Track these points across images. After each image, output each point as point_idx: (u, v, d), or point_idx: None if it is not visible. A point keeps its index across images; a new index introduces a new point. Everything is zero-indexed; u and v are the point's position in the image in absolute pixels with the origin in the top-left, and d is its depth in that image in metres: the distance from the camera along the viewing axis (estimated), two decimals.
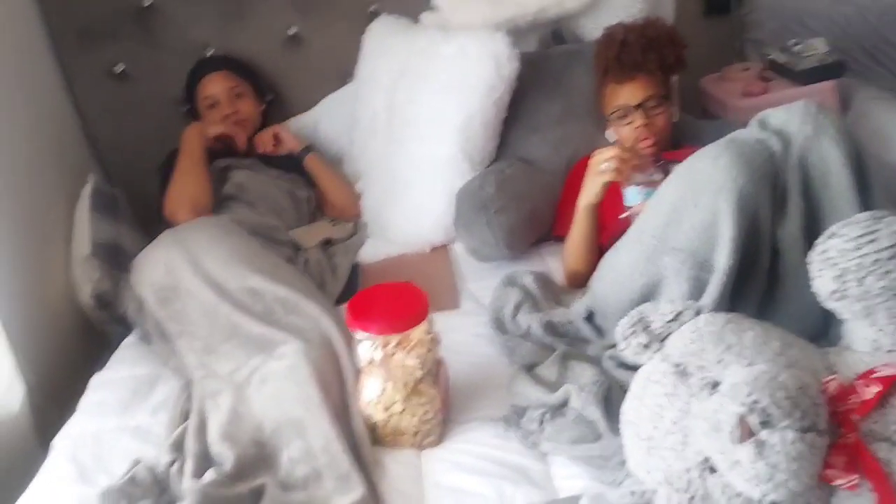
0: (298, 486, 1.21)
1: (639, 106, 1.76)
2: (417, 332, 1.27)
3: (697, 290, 1.24)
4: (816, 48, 2.31)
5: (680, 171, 1.30)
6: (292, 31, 2.33)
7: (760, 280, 1.25)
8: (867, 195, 1.18)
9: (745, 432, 0.84)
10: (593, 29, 2.19)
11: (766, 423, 0.84)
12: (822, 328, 1.22)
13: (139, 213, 2.16)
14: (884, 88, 2.32)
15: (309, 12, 2.31)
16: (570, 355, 1.39)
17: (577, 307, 1.51)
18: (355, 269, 1.97)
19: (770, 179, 1.21)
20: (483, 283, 1.79)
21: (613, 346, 1.38)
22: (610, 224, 1.69)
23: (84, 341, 1.87)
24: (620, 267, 1.37)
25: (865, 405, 0.89)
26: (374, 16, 2.31)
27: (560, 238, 1.88)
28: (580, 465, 1.20)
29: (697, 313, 1.07)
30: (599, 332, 1.48)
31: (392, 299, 1.31)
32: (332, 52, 2.36)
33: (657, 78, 1.79)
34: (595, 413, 1.20)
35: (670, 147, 1.81)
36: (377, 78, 2.15)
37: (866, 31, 2.53)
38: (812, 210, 1.22)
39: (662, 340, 1.06)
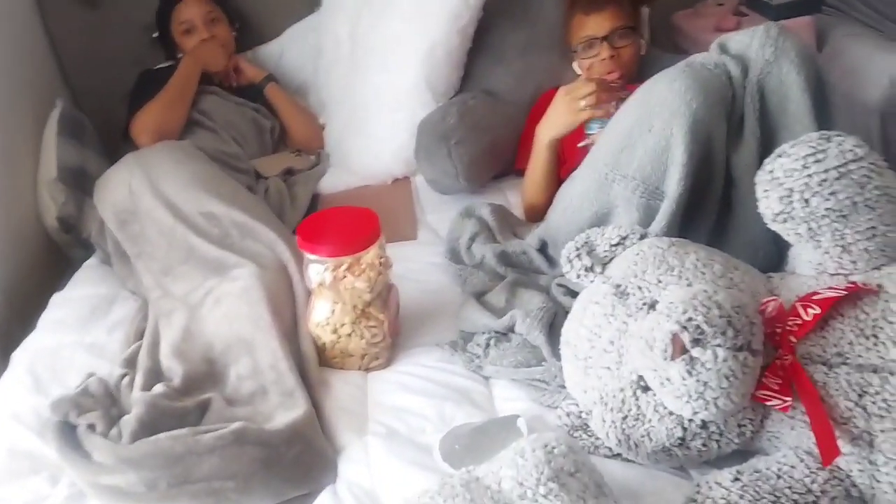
0: (244, 402, 1.23)
1: (605, 37, 1.74)
2: (368, 256, 1.28)
3: (648, 219, 1.24)
4: None
5: (636, 95, 1.29)
6: None
7: (712, 209, 1.25)
8: (825, 121, 1.17)
9: (678, 350, 0.86)
10: None
11: (698, 341, 0.85)
12: (776, 259, 1.21)
13: (105, 138, 2.13)
14: (865, 24, 2.27)
15: None
16: (520, 282, 1.41)
17: (530, 238, 1.51)
18: (315, 199, 1.97)
19: (726, 105, 1.20)
20: (442, 215, 1.79)
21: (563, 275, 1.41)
22: (570, 157, 1.69)
23: (49, 263, 1.87)
24: (573, 196, 1.36)
25: (803, 327, 0.90)
26: None
27: (521, 171, 1.88)
28: (522, 388, 1.23)
29: (643, 237, 1.08)
30: (552, 262, 1.49)
31: (344, 223, 1.32)
32: None
33: (625, 10, 1.77)
34: (539, 338, 1.22)
35: (636, 81, 1.80)
36: (342, 5, 2.11)
37: None
38: (768, 136, 1.21)
39: (606, 264, 1.07)
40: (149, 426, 1.12)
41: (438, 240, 1.71)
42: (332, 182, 2.03)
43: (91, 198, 1.79)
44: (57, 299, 1.63)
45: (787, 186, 0.92)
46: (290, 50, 2.34)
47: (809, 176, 0.91)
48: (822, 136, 0.94)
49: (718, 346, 0.84)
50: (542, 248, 1.51)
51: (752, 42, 1.22)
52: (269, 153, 2.15)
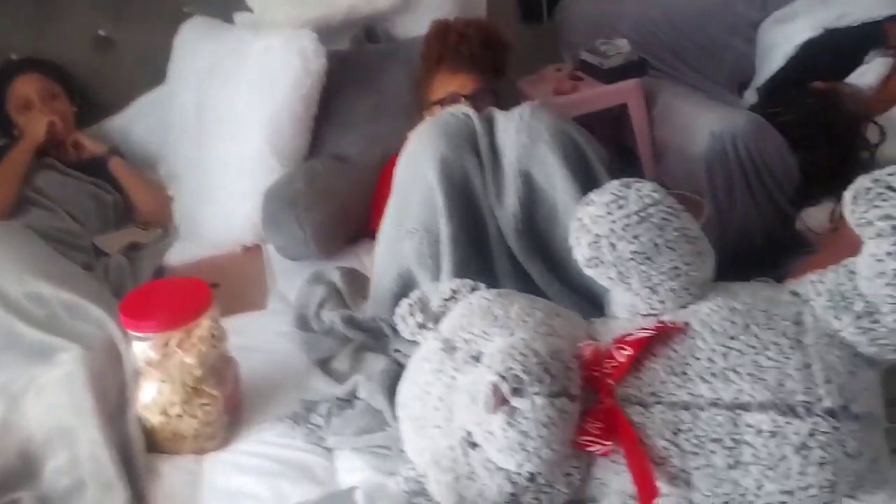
0: (58, 499, 1.13)
1: (468, 96, 1.77)
2: (199, 330, 1.21)
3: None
4: (620, 48, 2.39)
5: (402, 153, 1.38)
6: (102, 32, 2.23)
7: (499, 251, 1.30)
8: (591, 187, 1.22)
9: (499, 401, 0.83)
10: (405, 29, 2.21)
11: (517, 391, 0.83)
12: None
13: None
14: (689, 85, 2.45)
15: (119, 14, 2.24)
16: (366, 346, 1.37)
17: (366, 306, 1.49)
18: (161, 273, 1.88)
19: (472, 146, 1.30)
20: (293, 282, 1.72)
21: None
22: None
23: None
24: (377, 263, 1.40)
25: (618, 369, 0.90)
26: (187, 16, 2.24)
27: (375, 233, 1.86)
28: (364, 457, 1.17)
29: (474, 290, 1.07)
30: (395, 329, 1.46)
31: (170, 296, 1.25)
32: (144, 54, 2.27)
33: (487, 75, 1.83)
34: (381, 402, 1.19)
35: None
36: (186, 78, 2.08)
37: (671, 33, 2.67)
38: (547, 208, 1.28)
39: (440, 320, 1.05)
40: None
41: (288, 308, 1.64)
42: (181, 253, 1.95)
43: None
44: None
45: (595, 232, 0.94)
46: (137, 122, 2.28)
47: (614, 221, 0.93)
48: (623, 184, 0.97)
49: (536, 393, 0.82)
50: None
51: (508, 126, 1.32)
52: (111, 228, 2.05)
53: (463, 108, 1.36)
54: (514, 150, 1.28)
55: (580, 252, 0.96)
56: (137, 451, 1.19)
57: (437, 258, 1.27)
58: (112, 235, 2.01)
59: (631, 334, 0.91)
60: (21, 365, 1.37)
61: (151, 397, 1.22)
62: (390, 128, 1.97)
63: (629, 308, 0.99)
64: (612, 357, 0.90)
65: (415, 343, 1.30)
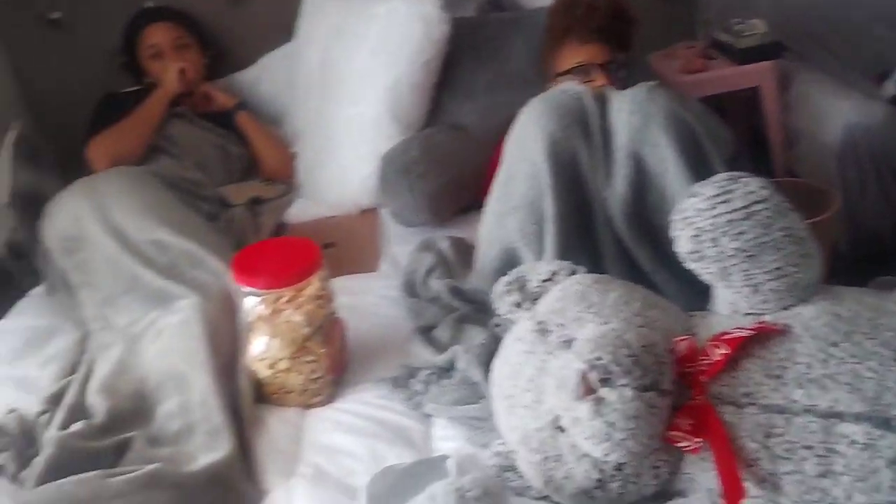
0: (168, 441, 1.19)
1: (602, 65, 1.75)
2: (309, 289, 1.26)
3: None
4: (756, 28, 2.30)
5: (511, 130, 1.36)
6: None
7: (604, 236, 1.29)
8: (704, 175, 1.17)
9: (586, 389, 0.83)
10: None
11: (605, 381, 0.82)
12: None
13: (66, 163, 2.11)
14: (827, 72, 2.32)
15: None
16: (467, 318, 1.39)
17: (471, 278, 1.50)
18: (282, 229, 1.95)
19: (582, 126, 1.27)
20: (406, 247, 1.75)
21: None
22: None
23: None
24: (481, 238, 1.40)
25: (713, 367, 0.88)
26: None
27: None
28: (459, 426, 1.19)
29: (573, 273, 1.07)
30: None
31: (283, 254, 1.30)
32: (275, 9, 2.32)
33: (614, 47, 1.79)
34: (477, 374, 1.19)
35: None
36: (314, 36, 2.12)
37: (812, 16, 2.53)
38: (656, 194, 1.26)
39: (536, 300, 1.05)
40: (58, 468, 1.07)
41: (399, 272, 1.68)
42: (300, 212, 2.01)
43: None
44: None
45: (698, 226, 0.92)
46: (265, 78, 2.34)
47: (717, 216, 0.91)
48: (730, 178, 0.94)
49: (624, 385, 0.82)
50: None
51: (622, 107, 1.29)
52: (235, 181, 2.12)
53: (575, 86, 1.33)
54: (626, 132, 1.25)
55: (682, 244, 0.94)
56: (246, 402, 1.25)
57: (541, 237, 1.27)
58: (237, 187, 2.07)
59: (729, 332, 0.89)
60: (141, 308, 1.46)
61: (260, 351, 1.27)
62: (510, 99, 1.91)
63: (730, 305, 0.96)
64: (707, 354, 0.89)
65: (494, 320, 1.33)
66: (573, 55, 1.79)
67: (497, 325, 1.32)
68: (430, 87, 1.95)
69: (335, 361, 1.32)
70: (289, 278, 1.24)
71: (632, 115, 1.25)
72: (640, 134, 1.24)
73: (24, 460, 1.12)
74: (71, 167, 2.08)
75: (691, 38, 2.67)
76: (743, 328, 0.89)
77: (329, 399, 1.31)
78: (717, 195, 0.91)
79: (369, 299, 1.57)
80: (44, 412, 1.25)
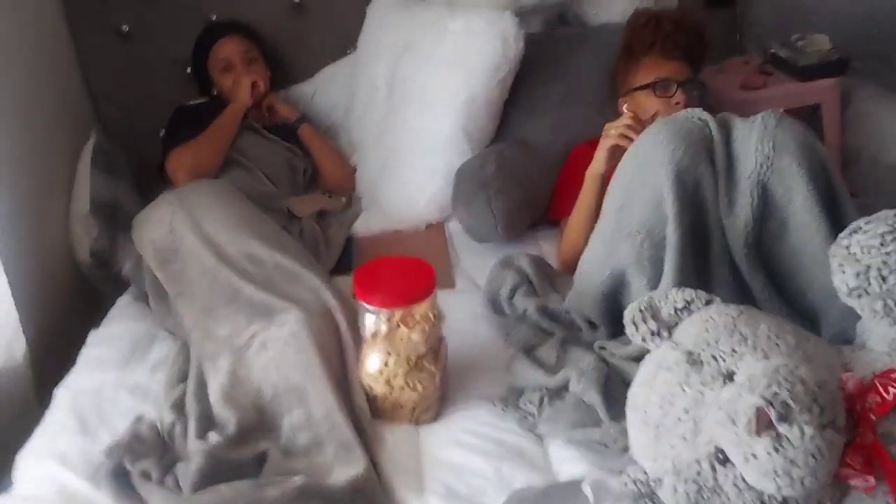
0: (300, 453, 1.23)
1: (682, 83, 1.78)
2: (422, 308, 1.29)
3: (659, 274, 1.30)
4: (819, 44, 2.29)
5: (628, 153, 1.37)
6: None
7: (721, 262, 1.30)
8: (834, 208, 1.24)
9: (763, 425, 0.85)
10: (596, 14, 2.22)
11: (784, 417, 0.84)
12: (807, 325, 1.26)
13: (136, 172, 2.14)
14: (887, 89, 2.33)
15: None
16: (569, 340, 1.42)
17: (568, 299, 1.52)
18: (349, 242, 1.99)
19: (708, 153, 1.29)
20: (478, 262, 1.80)
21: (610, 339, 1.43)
22: None
23: (79, 299, 1.88)
24: (588, 260, 1.42)
25: (884, 405, 0.90)
26: None
27: (556, 222, 1.90)
28: (578, 449, 1.22)
29: (708, 303, 1.09)
30: (590, 322, 1.49)
31: (399, 273, 1.33)
32: (333, 22, 2.35)
33: (694, 66, 1.85)
34: (595, 398, 1.22)
35: None
36: (380, 50, 2.14)
37: (873, 31, 2.54)
38: (778, 223, 1.27)
39: (671, 329, 1.08)
40: (208, 477, 1.12)
41: (476, 288, 1.71)
42: (366, 225, 2.04)
43: (124, 232, 1.80)
44: (95, 337, 1.62)
45: (865, 263, 0.94)
46: (322, 91, 2.37)
47: (888, 254, 0.92)
48: None
49: (805, 423, 0.84)
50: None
51: (751, 134, 1.29)
52: (300, 193, 2.15)
53: (699, 112, 1.34)
54: (755, 159, 1.26)
55: (844, 280, 0.96)
56: (366, 418, 1.29)
57: (656, 263, 1.29)
58: (302, 199, 2.10)
59: (895, 370, 0.91)
60: (242, 320, 1.48)
61: (377, 367, 1.30)
62: (576, 116, 1.99)
63: (890, 342, 0.99)
64: (875, 391, 0.91)
65: (618, 342, 1.36)
66: (655, 70, 1.82)
67: (602, 348, 1.35)
68: (502, 103, 1.98)
69: (441, 378, 1.34)
70: (410, 297, 1.27)
71: (762, 143, 1.27)
72: (771, 161, 1.25)
73: (163, 467, 1.16)
74: (142, 176, 2.11)
75: (739, 53, 2.71)
76: None
77: (436, 416, 1.34)
78: (888, 232, 0.93)
79: (454, 316, 1.57)
80: (174, 422, 1.30)
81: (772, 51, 2.41)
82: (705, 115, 1.34)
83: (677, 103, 1.76)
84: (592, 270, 1.40)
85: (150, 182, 2.10)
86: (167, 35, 2.26)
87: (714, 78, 2.48)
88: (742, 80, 2.33)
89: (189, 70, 2.30)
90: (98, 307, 1.77)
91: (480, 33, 1.91)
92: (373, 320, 1.28)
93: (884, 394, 0.90)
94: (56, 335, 1.72)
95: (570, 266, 1.71)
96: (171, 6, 2.25)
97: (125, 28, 2.24)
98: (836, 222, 1.22)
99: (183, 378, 1.46)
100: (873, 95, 2.23)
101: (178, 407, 1.35)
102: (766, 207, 1.27)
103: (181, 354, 1.52)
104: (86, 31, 2.21)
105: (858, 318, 1.14)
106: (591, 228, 1.65)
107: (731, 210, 1.28)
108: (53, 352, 1.65)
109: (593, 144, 1.76)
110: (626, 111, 1.73)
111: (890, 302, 0.94)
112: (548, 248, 1.87)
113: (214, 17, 2.29)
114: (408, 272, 1.33)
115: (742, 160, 1.28)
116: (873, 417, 0.90)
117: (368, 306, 1.28)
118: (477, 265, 1.79)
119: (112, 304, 1.76)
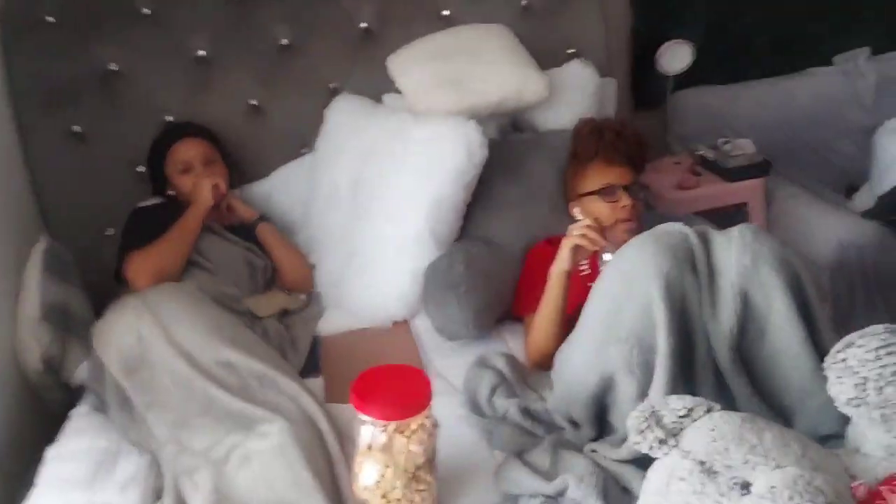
0: None
1: (626, 187, 1.89)
2: (420, 417, 1.29)
3: (648, 378, 1.34)
4: (745, 148, 2.51)
5: (613, 263, 1.45)
6: (253, 101, 2.34)
7: (706, 365, 1.36)
8: (811, 318, 1.32)
9: None
10: (546, 120, 2.32)
11: None
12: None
13: (85, 275, 2.06)
14: (800, 185, 2.55)
15: (271, 85, 2.33)
16: (560, 443, 1.43)
17: (551, 401, 1.55)
18: (314, 342, 1.97)
19: (690, 263, 1.37)
20: (449, 360, 1.82)
21: (593, 438, 1.46)
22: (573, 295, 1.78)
23: (28, 411, 1.78)
24: (574, 364, 1.46)
25: None
26: (334, 92, 2.35)
27: (519, 318, 1.94)
28: None
29: (709, 410, 1.14)
30: (573, 423, 1.52)
31: (394, 382, 1.32)
32: (289, 124, 2.37)
33: (636, 170, 1.96)
34: None
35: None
36: (342, 153, 2.18)
37: (786, 134, 2.80)
38: (757, 330, 1.34)
39: (675, 436, 1.12)
40: None
41: (452, 389, 1.71)
42: (330, 324, 2.03)
43: (76, 338, 1.74)
44: (54, 453, 1.53)
45: (863, 375, 1.01)
46: (279, 190, 2.36)
47: (883, 367, 1.00)
48: (888, 330, 1.04)
49: None
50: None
51: (730, 247, 1.39)
52: (260, 292, 2.12)
53: (679, 226, 1.43)
54: (735, 270, 1.34)
55: (842, 391, 1.02)
56: None
57: (645, 368, 1.33)
58: (260, 298, 2.07)
59: None
60: (220, 431, 1.44)
61: (374, 480, 1.28)
62: (535, 214, 2.07)
63: (885, 448, 1.05)
64: (880, 497, 0.96)
65: (606, 443, 1.39)
66: (600, 176, 1.93)
67: (593, 451, 1.38)
68: (465, 205, 2.03)
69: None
70: (409, 408, 1.27)
71: (741, 255, 1.35)
72: (750, 272, 1.34)
73: None
74: (91, 281, 2.05)
75: (668, 152, 2.88)
76: None
77: None
78: (882, 346, 1.01)
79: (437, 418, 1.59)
80: None
81: (699, 153, 2.60)
82: (685, 229, 1.42)
83: (623, 206, 1.86)
84: (581, 372, 1.43)
85: (99, 286, 2.03)
86: (121, 136, 2.23)
87: (649, 177, 2.63)
88: (677, 181, 2.49)
89: (142, 170, 2.26)
90: (47, 420, 1.69)
91: (446, 141, 1.97)
92: (370, 431, 1.27)
93: (890, 500, 0.95)
94: (7, 452, 1.62)
95: (539, 362, 1.76)
96: (126, 107, 2.23)
97: (77, 129, 2.20)
98: (811, 327, 1.31)
99: (158, 496, 1.40)
100: (793, 194, 2.44)
101: None
102: (747, 314, 1.34)
103: (152, 469, 1.47)
104: (36, 132, 2.15)
105: (830, 416, 1.22)
106: (559, 323, 1.73)
107: (714, 316, 1.35)
108: (6, 470, 1.56)
109: (551, 241, 1.83)
110: (577, 214, 1.82)
111: (887, 411, 1.01)
112: (514, 343, 1.90)
113: (171, 119, 2.28)
114: (404, 380, 1.33)
115: (723, 272, 1.36)
116: None
117: (366, 417, 1.27)
118: (448, 364, 1.80)
119: (63, 416, 1.67)
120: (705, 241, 1.41)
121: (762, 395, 1.34)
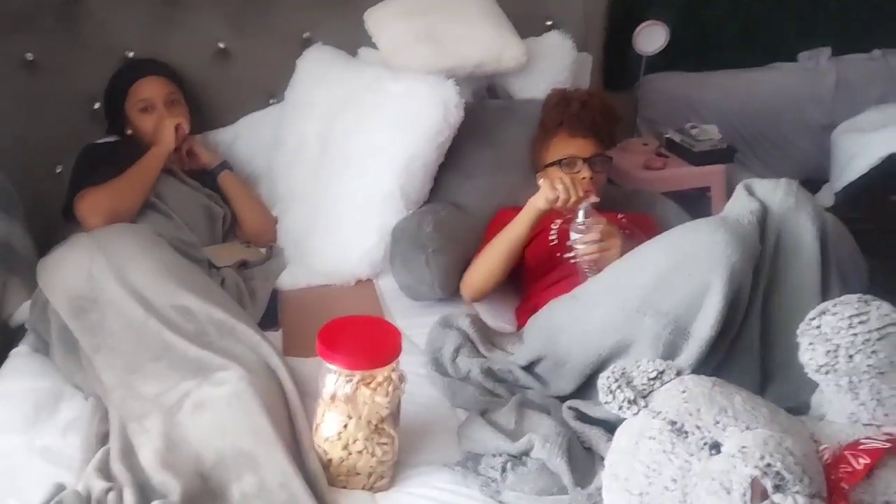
0: None
1: (587, 160, 1.86)
2: (386, 370, 1.25)
3: (668, 356, 1.29)
4: (711, 134, 2.54)
5: (671, 239, 1.38)
6: (221, 45, 2.25)
7: (749, 349, 1.34)
8: (828, 270, 1.33)
9: (757, 495, 0.88)
10: (521, 88, 2.30)
11: (779, 487, 0.88)
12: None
13: (30, 212, 1.96)
14: (757, 174, 2.58)
15: (241, 29, 2.25)
16: (525, 403, 1.41)
17: (518, 356, 1.53)
18: (274, 295, 1.91)
19: (757, 259, 1.32)
20: (412, 320, 1.78)
21: (559, 397, 1.44)
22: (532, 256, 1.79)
23: None
24: (592, 322, 1.40)
25: (855, 475, 0.95)
26: (306, 42, 2.29)
27: None
28: None
29: (678, 374, 1.13)
30: (539, 380, 1.50)
31: (365, 334, 1.28)
32: (258, 71, 2.30)
33: (603, 142, 1.93)
34: (561, 465, 1.21)
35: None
36: (313, 105, 2.12)
37: (747, 125, 2.84)
38: (776, 271, 1.33)
39: (645, 397, 1.11)
40: None
41: (414, 347, 1.67)
42: (292, 279, 1.98)
43: (16, 276, 1.66)
44: None
45: (835, 342, 1.01)
46: (243, 139, 2.29)
47: (855, 335, 1.00)
48: (861, 300, 1.04)
49: (797, 493, 0.88)
50: (528, 366, 1.53)
51: (776, 190, 1.37)
52: (218, 242, 2.05)
53: (747, 215, 1.35)
54: (778, 207, 1.35)
55: (814, 357, 1.02)
56: (321, 485, 1.21)
57: (670, 348, 1.29)
58: (220, 248, 2.01)
59: (864, 443, 0.97)
60: (173, 377, 1.38)
61: (336, 431, 1.24)
62: (505, 182, 2.04)
63: (851, 415, 1.05)
64: (845, 462, 0.97)
65: (591, 403, 1.37)
66: (563, 147, 1.91)
67: (571, 409, 1.36)
68: (437, 166, 1.99)
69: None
70: (377, 359, 1.22)
71: (786, 196, 1.35)
72: (791, 213, 1.34)
73: None
74: (37, 216, 1.95)
75: (637, 134, 2.89)
76: (874, 438, 0.98)
77: (391, 482, 1.29)
78: (855, 315, 1.01)
79: None
80: (109, 489, 1.17)
81: (667, 136, 2.62)
82: (753, 218, 1.35)
83: (584, 178, 1.84)
84: (598, 333, 1.38)
85: (43, 226, 1.95)
86: (77, 69, 2.12)
87: (618, 156, 2.64)
88: (645, 161, 2.50)
89: (98, 107, 2.16)
90: None
91: (422, 98, 1.93)
92: (334, 381, 1.23)
93: (854, 464, 0.96)
94: None
95: (474, 297, 1.81)
96: (86, 38, 2.12)
97: (30, 57, 2.08)
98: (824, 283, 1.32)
99: (103, 441, 1.33)
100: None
101: (105, 473, 1.23)
102: (776, 255, 1.33)
103: (96, 414, 1.40)
104: None
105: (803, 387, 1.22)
106: (507, 262, 1.76)
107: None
108: None
109: (516, 210, 1.79)
110: (542, 185, 1.77)
111: (854, 378, 1.01)
112: (477, 306, 1.88)
113: (132, 55, 2.18)
114: (373, 333, 1.29)
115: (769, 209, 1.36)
116: (845, 487, 0.95)
117: (331, 366, 1.23)
118: (412, 323, 1.75)
119: (1, 356, 1.60)
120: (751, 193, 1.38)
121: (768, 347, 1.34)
